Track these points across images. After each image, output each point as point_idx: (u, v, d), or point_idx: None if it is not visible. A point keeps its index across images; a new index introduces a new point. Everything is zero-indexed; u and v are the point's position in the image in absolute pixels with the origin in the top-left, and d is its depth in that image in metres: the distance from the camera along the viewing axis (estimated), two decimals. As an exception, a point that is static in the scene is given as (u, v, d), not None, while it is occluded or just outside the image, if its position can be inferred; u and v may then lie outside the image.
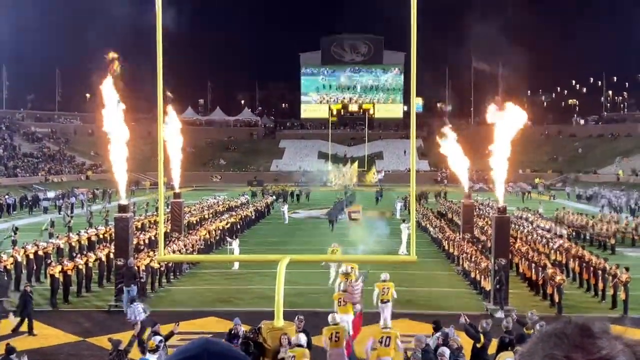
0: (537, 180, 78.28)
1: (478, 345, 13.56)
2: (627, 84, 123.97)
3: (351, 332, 15.43)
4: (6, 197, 52.93)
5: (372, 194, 62.77)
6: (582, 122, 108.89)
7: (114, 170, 23.17)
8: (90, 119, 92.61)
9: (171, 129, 30.88)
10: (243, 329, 14.20)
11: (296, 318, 14.24)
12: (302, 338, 12.65)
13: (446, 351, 12.11)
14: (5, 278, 22.88)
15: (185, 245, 27.25)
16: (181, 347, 1.48)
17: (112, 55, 22.63)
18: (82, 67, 73.69)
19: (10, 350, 13.26)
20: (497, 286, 20.74)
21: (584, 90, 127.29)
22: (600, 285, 22.64)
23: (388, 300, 18.43)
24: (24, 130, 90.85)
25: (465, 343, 13.87)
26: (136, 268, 21.96)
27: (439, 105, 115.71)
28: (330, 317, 14.47)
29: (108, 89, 22.31)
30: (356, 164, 79.49)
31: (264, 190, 67.83)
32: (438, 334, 13.82)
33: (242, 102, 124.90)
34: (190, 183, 73.18)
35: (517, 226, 34.09)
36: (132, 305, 17.93)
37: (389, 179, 79.68)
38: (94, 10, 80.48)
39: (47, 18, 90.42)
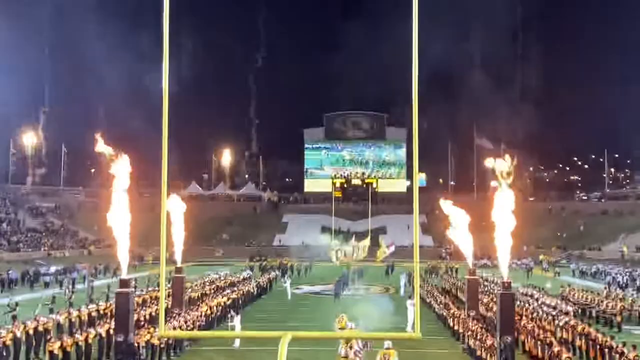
0: (541, 257, 77.78)
1: None
2: (629, 160, 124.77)
3: None
4: (9, 272, 52.68)
5: (379, 268, 62.36)
6: (584, 198, 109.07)
7: (117, 244, 23.11)
8: (94, 193, 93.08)
9: (174, 204, 31.00)
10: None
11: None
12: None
13: None
14: (4, 353, 22.64)
15: (186, 321, 26.96)
16: None
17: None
18: (88, 142, 74.75)
19: None
20: (503, 364, 20.39)
21: (586, 166, 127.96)
22: (608, 364, 22.25)
23: None
24: (28, 205, 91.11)
25: None
26: (136, 345, 21.67)
27: (441, 180, 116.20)
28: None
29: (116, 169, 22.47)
30: (368, 239, 78.80)
31: (263, 266, 67.51)
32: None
33: (247, 176, 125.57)
34: (192, 258, 72.82)
35: (522, 303, 33.74)
36: None
37: (393, 254, 79.14)
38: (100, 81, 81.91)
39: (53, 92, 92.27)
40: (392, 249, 75.28)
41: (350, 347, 17.73)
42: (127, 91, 75.32)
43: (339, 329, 25.97)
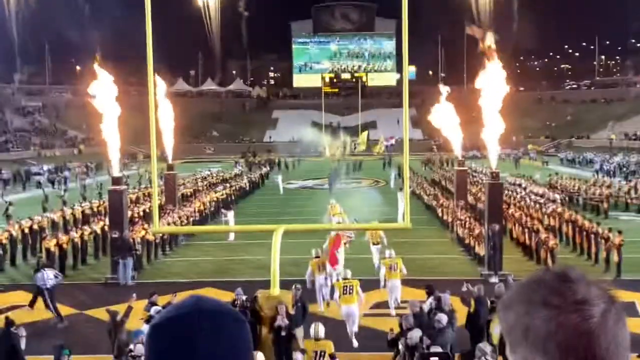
0: (530, 147, 78.34)
1: (471, 311, 13.71)
2: (619, 47, 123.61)
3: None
4: (1, 172, 52.82)
5: (375, 162, 62.93)
6: (574, 86, 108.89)
7: (107, 142, 23.17)
8: (81, 91, 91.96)
9: (162, 101, 30.74)
10: (245, 299, 14.30)
11: (293, 287, 14.38)
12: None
13: (443, 318, 12.25)
14: (1, 252, 23.03)
15: (180, 217, 27.31)
16: (172, 305, 1.48)
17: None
18: (72, 39, 73.27)
19: (9, 322, 13.35)
20: (491, 252, 20.92)
21: (577, 54, 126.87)
22: (594, 248, 22.83)
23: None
24: (14, 104, 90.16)
25: (458, 307, 14.08)
26: (131, 240, 22.04)
27: (431, 72, 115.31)
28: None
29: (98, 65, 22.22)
30: (366, 133, 78.55)
31: (250, 162, 68.11)
32: (431, 298, 13.99)
33: (234, 72, 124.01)
34: (182, 155, 72.91)
35: (510, 192, 34.23)
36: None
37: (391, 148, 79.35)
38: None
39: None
40: (392, 141, 75.66)
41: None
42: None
43: (332, 215, 26.71)
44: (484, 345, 10.89)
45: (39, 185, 50.16)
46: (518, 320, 1.32)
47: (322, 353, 11.85)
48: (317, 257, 17.55)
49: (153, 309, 13.06)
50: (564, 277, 1.34)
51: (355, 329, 15.43)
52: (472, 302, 13.71)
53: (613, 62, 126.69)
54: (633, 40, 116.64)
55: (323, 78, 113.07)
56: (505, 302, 1.38)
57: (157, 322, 1.45)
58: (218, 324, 1.42)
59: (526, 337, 1.30)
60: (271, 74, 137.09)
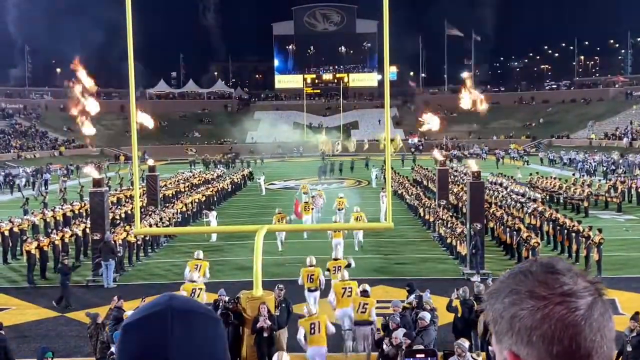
0: (512, 146, 78.85)
1: (459, 315, 13.77)
2: (598, 48, 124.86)
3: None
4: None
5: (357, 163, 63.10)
6: (554, 86, 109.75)
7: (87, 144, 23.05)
8: (61, 93, 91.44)
9: (144, 103, 30.63)
10: (227, 299, 14.24)
11: (276, 287, 14.33)
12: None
13: (426, 315, 12.29)
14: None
15: (161, 219, 27.19)
16: (145, 304, 1.45)
17: None
18: (52, 41, 72.68)
19: (-1, 325, 13.22)
20: (473, 251, 21.01)
21: (556, 55, 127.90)
22: (574, 247, 23.00)
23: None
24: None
25: (438, 304, 14.16)
26: (114, 242, 21.91)
27: (412, 73, 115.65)
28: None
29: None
30: (398, 136, 78.60)
31: (207, 161, 69.77)
32: (412, 296, 14.02)
33: (216, 74, 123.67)
34: (164, 156, 72.80)
35: (491, 191, 34.42)
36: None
37: (365, 149, 79.59)
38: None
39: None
40: (416, 139, 76.11)
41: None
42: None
43: (338, 209, 28.09)
44: (462, 341, 10.98)
45: (18, 188, 49.62)
46: (504, 311, 1.33)
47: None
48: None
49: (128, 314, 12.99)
50: (550, 268, 1.34)
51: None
52: (459, 306, 13.75)
53: (592, 62, 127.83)
54: (612, 41, 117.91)
55: (305, 79, 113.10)
56: (492, 292, 1.38)
57: (129, 322, 1.41)
58: (191, 322, 1.39)
59: (512, 327, 1.31)
60: (253, 75, 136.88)
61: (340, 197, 30.91)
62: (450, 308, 14.03)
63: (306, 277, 16.62)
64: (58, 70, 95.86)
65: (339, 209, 29.58)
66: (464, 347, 10.73)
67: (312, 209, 29.75)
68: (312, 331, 12.79)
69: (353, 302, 14.26)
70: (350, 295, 14.78)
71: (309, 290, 16.60)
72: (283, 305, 13.91)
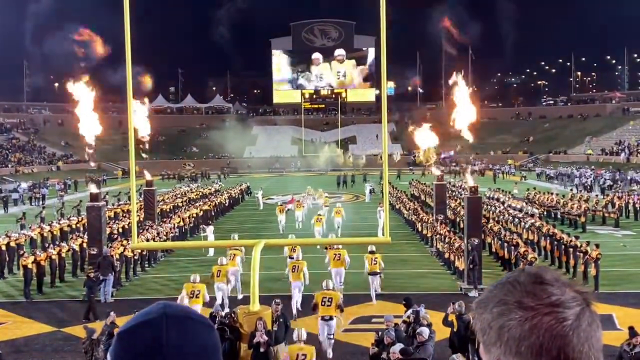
0: (509, 162, 78.98)
1: (454, 330, 13.74)
2: (595, 64, 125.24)
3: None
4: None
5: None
6: (551, 102, 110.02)
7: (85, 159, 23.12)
8: (59, 109, 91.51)
9: (141, 118, 30.66)
10: (223, 314, 14.20)
11: (273, 302, 14.27)
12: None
13: (425, 331, 12.26)
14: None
15: (158, 233, 27.12)
16: (140, 312, 1.45)
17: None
18: (50, 56, 72.74)
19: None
20: (471, 266, 20.97)
21: (553, 71, 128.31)
22: (572, 262, 22.97)
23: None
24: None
25: (435, 319, 14.13)
26: (110, 257, 21.86)
27: (410, 89, 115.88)
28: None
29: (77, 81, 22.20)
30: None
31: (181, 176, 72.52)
32: (409, 311, 13.99)
33: (214, 89, 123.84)
34: (162, 171, 72.87)
35: (489, 206, 34.43)
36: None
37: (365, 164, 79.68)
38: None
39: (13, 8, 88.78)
40: (451, 152, 76.76)
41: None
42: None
43: (310, 195, 29.32)
44: (457, 357, 10.97)
45: (15, 202, 49.55)
46: (493, 321, 1.34)
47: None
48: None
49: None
50: (538, 278, 1.35)
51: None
52: (455, 320, 13.74)
53: (589, 78, 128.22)
54: (608, 57, 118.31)
55: (303, 94, 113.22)
56: (481, 302, 1.39)
57: (124, 329, 1.42)
58: (185, 330, 1.40)
59: (500, 337, 1.31)
60: (251, 90, 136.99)
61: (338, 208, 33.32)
62: (446, 322, 14.00)
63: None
64: (56, 85, 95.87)
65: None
66: None
67: (303, 206, 37.62)
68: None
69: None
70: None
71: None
72: (280, 320, 13.85)
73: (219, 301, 18.19)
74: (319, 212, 33.51)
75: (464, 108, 23.03)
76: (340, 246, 20.79)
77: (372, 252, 20.32)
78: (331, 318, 15.18)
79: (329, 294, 15.37)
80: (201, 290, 16.83)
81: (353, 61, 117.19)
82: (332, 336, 15.17)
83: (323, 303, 15.17)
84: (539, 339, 1.27)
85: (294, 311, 18.04)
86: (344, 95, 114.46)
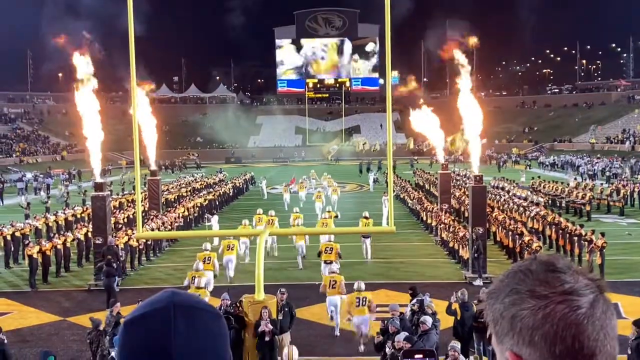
0: (514, 150, 78.83)
1: (458, 318, 13.75)
2: (600, 52, 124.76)
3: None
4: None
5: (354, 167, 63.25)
6: (556, 91, 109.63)
7: (89, 149, 23.12)
8: (63, 98, 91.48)
9: (145, 108, 30.64)
10: (229, 303, 14.19)
11: (278, 291, 14.27)
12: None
13: (428, 320, 12.26)
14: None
15: (163, 223, 27.14)
16: (147, 300, 1.45)
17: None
18: (54, 46, 72.70)
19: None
20: (475, 255, 20.96)
21: (558, 59, 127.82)
22: (577, 250, 22.95)
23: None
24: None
25: (440, 308, 14.14)
26: (115, 246, 21.89)
27: (414, 77, 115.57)
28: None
29: (81, 67, 22.16)
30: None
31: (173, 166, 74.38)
32: (414, 300, 13.99)
33: (217, 78, 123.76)
34: (166, 161, 73.12)
35: (493, 195, 34.36)
36: None
37: (371, 153, 79.57)
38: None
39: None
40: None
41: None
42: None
43: (312, 179, 30.09)
44: (455, 343, 11.02)
45: (20, 192, 49.58)
46: (505, 311, 1.31)
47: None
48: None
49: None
50: (551, 266, 1.32)
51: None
52: (458, 309, 13.74)
53: (594, 66, 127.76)
54: (614, 45, 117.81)
55: (307, 84, 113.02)
56: (492, 292, 1.36)
57: (131, 317, 1.41)
58: (193, 318, 1.39)
59: (513, 327, 1.29)
60: (254, 80, 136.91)
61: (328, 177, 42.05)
62: (449, 311, 14.00)
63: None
64: (60, 74, 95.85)
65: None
66: (456, 348, 10.79)
67: (305, 187, 41.91)
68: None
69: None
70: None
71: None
72: (286, 309, 13.86)
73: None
74: (318, 189, 38.85)
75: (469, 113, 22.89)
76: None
77: (366, 217, 24.30)
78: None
79: (362, 294, 15.12)
80: (212, 258, 18.90)
81: (357, 50, 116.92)
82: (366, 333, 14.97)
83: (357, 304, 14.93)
84: (552, 328, 1.25)
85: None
86: (347, 84, 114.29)
